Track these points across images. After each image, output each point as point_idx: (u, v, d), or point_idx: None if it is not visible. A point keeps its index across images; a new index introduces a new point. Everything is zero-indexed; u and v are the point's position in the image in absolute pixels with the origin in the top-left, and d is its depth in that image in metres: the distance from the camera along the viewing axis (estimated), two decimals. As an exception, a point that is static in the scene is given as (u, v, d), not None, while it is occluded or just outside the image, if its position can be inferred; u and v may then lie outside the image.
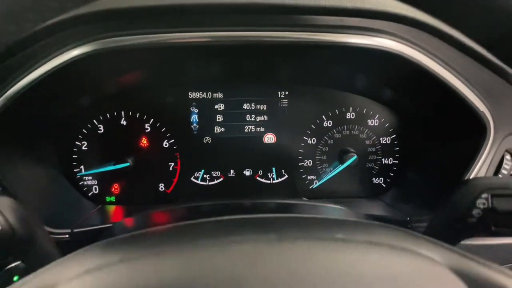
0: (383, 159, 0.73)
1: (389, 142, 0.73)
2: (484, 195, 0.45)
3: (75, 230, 0.56)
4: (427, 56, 0.53)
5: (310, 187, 0.74)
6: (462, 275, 0.32)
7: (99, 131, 0.68)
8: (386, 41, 0.52)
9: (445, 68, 0.54)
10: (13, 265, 0.53)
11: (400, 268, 0.30)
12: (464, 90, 0.55)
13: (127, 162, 0.68)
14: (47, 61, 0.53)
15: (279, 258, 0.26)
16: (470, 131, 0.60)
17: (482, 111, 0.57)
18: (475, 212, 0.45)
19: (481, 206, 0.44)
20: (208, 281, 0.24)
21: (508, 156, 0.61)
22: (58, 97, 0.62)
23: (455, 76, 0.54)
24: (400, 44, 0.52)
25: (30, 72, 0.54)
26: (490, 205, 0.44)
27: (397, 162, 0.73)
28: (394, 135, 0.72)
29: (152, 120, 0.69)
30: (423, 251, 0.33)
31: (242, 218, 0.34)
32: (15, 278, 0.53)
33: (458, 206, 0.46)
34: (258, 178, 0.73)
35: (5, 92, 0.55)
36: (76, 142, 0.68)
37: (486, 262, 0.33)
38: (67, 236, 0.56)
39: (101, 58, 0.54)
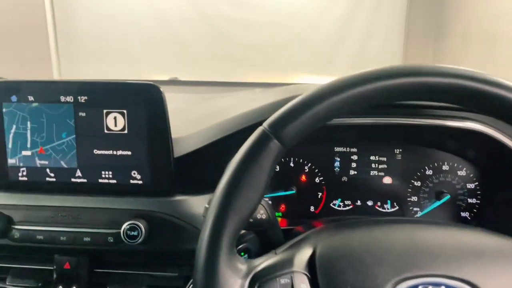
0: (469, 199, 1.03)
1: (473, 187, 1.03)
2: None
3: None
4: (499, 132, 0.86)
5: (415, 216, 1.06)
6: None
7: (276, 170, 1.07)
8: (473, 124, 0.86)
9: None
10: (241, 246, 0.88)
11: None
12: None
13: (292, 190, 1.06)
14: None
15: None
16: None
17: None
18: None
19: None
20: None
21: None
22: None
23: None
24: (482, 125, 0.86)
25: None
26: None
27: (479, 202, 1.03)
28: (477, 182, 1.03)
29: (310, 164, 1.06)
30: None
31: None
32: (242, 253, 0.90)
33: None
34: (377, 207, 1.07)
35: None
36: (262, 176, 1.08)
37: None
38: None
39: None
